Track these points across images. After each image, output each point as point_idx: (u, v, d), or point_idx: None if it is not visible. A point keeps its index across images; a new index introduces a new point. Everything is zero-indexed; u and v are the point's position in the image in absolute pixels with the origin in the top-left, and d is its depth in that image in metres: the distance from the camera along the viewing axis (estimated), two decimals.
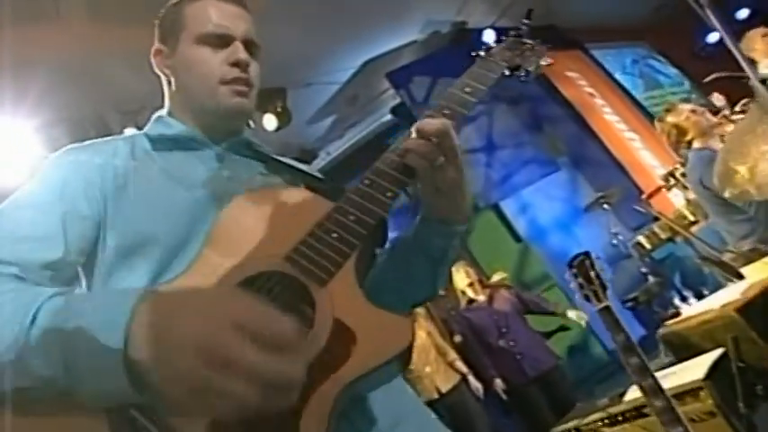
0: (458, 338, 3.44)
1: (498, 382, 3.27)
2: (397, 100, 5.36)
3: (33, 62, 3.35)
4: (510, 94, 5.03)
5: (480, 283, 3.47)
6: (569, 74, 5.50)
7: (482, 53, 0.93)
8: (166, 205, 0.75)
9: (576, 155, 5.10)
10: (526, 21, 1.03)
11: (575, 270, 1.55)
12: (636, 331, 4.09)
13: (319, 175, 0.92)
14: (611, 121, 5.23)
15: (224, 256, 0.65)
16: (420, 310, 3.41)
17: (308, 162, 5.91)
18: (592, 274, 1.51)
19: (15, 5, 3.06)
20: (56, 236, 0.70)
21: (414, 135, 0.72)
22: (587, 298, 1.50)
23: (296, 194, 0.75)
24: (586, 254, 1.55)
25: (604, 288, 1.48)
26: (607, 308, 1.45)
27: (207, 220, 0.71)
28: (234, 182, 0.81)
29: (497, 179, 4.94)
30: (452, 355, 3.35)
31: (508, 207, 5.20)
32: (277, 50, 4.39)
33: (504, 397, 3.27)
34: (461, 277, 3.46)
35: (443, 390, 3.16)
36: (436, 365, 3.23)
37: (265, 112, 4.67)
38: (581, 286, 1.52)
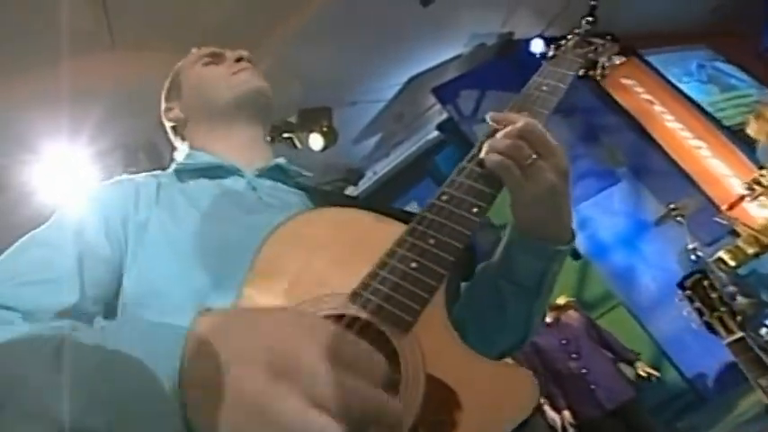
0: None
1: (566, 415, 3.00)
2: (444, 115, 5.24)
3: (90, 92, 3.42)
4: (562, 105, 4.84)
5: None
6: (625, 81, 5.23)
7: (551, 51, 0.87)
8: (194, 247, 0.65)
9: (637, 166, 4.80)
10: (589, 18, 0.92)
11: (689, 293, 1.34)
12: (720, 358, 3.72)
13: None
14: (674, 129, 4.91)
15: (271, 297, 0.52)
16: None
17: (354, 183, 5.88)
18: (714, 296, 1.29)
19: (73, 38, 3.14)
20: (71, 278, 0.61)
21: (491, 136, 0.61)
22: (710, 327, 1.28)
23: (351, 216, 0.60)
24: (703, 272, 1.34)
25: (734, 315, 1.25)
26: (742, 340, 1.22)
27: (240, 257, 0.56)
28: (270, 211, 0.71)
29: None
30: None
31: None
32: (321, 70, 4.37)
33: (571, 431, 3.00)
34: None
35: None
36: None
37: (311, 131, 4.64)
38: (700, 313, 1.30)
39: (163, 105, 0.92)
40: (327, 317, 0.47)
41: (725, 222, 3.21)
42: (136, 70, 3.70)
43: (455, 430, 0.42)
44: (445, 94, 4.96)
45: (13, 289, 0.56)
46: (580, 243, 4.89)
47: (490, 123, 0.63)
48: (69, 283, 0.60)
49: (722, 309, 1.32)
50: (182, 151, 0.89)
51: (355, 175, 5.68)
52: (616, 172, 4.68)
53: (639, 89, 5.20)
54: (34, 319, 0.54)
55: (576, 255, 4.99)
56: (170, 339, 0.37)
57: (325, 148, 4.66)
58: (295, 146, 4.65)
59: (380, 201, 6.29)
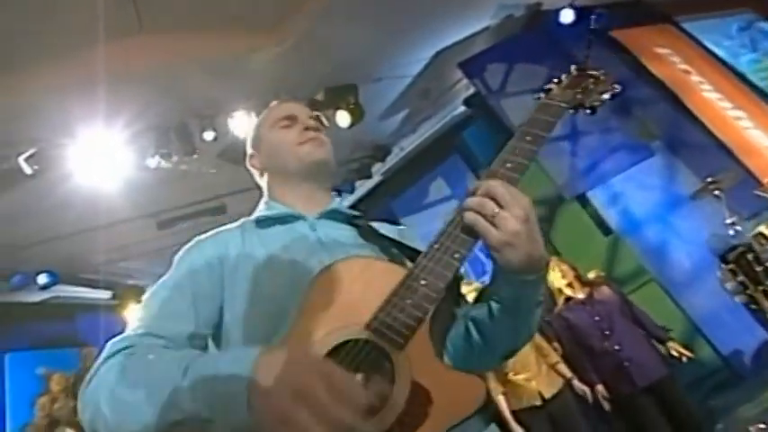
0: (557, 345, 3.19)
1: (600, 389, 3.00)
2: (471, 90, 5.15)
3: (122, 76, 3.48)
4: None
5: (578, 280, 3.20)
6: (659, 50, 5.03)
7: (542, 96, 0.93)
8: (270, 286, 0.88)
9: (671, 139, 4.64)
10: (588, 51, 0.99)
11: (732, 266, 1.30)
12: (757, 335, 3.64)
13: (407, 243, 0.96)
14: (712, 99, 4.71)
15: (316, 326, 0.74)
16: None
17: (381, 159, 5.86)
18: (759, 270, 1.25)
19: (105, 24, 3.17)
20: (188, 312, 0.86)
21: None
22: (753, 301, 1.25)
23: (375, 265, 0.81)
24: (748, 246, 1.30)
25: None
26: None
27: (302, 290, 0.79)
28: (326, 247, 0.93)
29: (583, 168, 4.60)
30: (555, 357, 3.10)
31: (596, 198, 4.84)
32: (346, 47, 4.33)
33: (605, 406, 3.00)
34: (557, 276, 3.20)
35: (547, 395, 2.92)
36: (537, 368, 2.99)
37: (338, 109, 4.63)
38: (744, 286, 1.27)
39: (249, 151, 1.13)
40: (348, 341, 0.70)
41: (766, 195, 3.08)
42: (164, 53, 3.73)
43: (427, 419, 0.64)
44: (472, 68, 4.85)
45: (155, 321, 0.84)
46: (611, 218, 4.79)
47: (468, 190, 0.78)
48: (187, 316, 0.85)
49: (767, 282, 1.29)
50: (263, 194, 1.11)
51: (382, 152, 5.66)
52: (649, 145, 4.54)
53: (675, 58, 4.99)
54: (173, 343, 0.80)
55: (606, 230, 4.92)
56: (245, 362, 0.62)
57: (352, 125, 4.65)
58: (322, 124, 4.66)
59: (407, 177, 6.28)
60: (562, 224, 5.24)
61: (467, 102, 5.37)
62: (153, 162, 4.34)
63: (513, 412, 2.92)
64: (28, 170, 3.61)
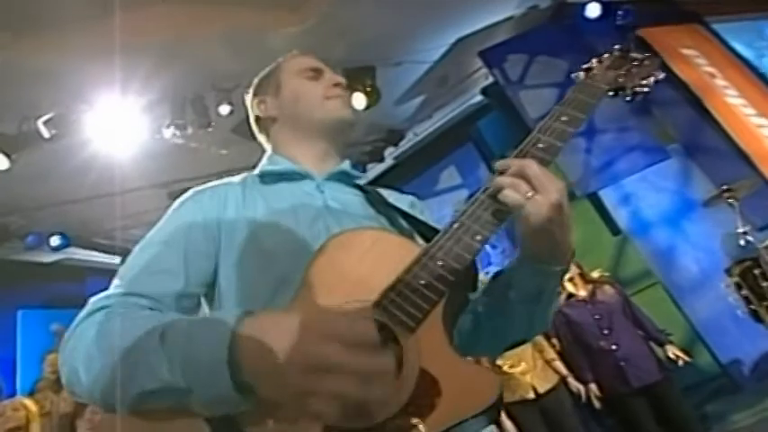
0: (555, 341, 3.22)
1: (593, 387, 3.02)
2: (490, 80, 5.09)
3: (140, 46, 3.49)
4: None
5: (582, 278, 3.20)
6: (685, 51, 4.92)
7: (581, 75, 0.88)
8: (271, 247, 0.82)
9: (689, 142, 4.57)
10: (637, 34, 0.93)
11: (737, 279, 1.30)
12: (758, 346, 3.63)
13: (417, 215, 0.91)
14: (736, 105, 4.62)
15: (319, 299, 0.68)
16: None
17: (395, 143, 5.85)
18: (765, 285, 1.26)
19: None
20: (178, 269, 0.80)
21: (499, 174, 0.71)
22: (757, 315, 1.26)
23: (387, 238, 0.75)
24: (754, 260, 1.30)
25: None
26: None
27: (306, 255, 0.74)
28: (333, 211, 0.88)
29: (597, 166, 4.55)
30: (551, 353, 3.13)
31: (607, 197, 4.81)
32: (367, 28, 4.29)
33: (596, 404, 3.02)
34: None
35: (540, 390, 2.96)
36: (532, 363, 3.02)
37: (355, 90, 4.62)
38: (747, 300, 1.28)
39: (253, 96, 1.03)
40: None
41: None
42: (182, 25, 3.74)
43: (433, 411, 0.59)
44: (492, 57, 4.79)
45: (140, 278, 0.78)
46: (621, 219, 4.77)
47: (497, 168, 0.73)
48: (177, 274, 0.79)
49: None
50: (265, 148, 1.04)
51: (396, 136, 5.65)
52: (666, 148, 4.47)
53: (701, 60, 4.88)
54: (158, 303, 0.75)
55: (615, 230, 4.89)
56: (221, 332, 0.58)
57: (367, 108, 4.64)
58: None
59: (419, 163, 6.26)
60: (571, 221, 5.23)
61: (484, 91, 5.32)
62: (168, 133, 4.38)
63: (506, 405, 2.97)
64: (46, 133, 3.67)
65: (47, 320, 5.16)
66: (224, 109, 4.50)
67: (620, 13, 4.85)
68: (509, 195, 0.68)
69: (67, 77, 3.54)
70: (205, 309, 0.85)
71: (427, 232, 0.84)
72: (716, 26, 5.17)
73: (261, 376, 0.55)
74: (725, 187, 3.80)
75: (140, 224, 5.17)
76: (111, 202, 4.73)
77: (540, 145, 0.74)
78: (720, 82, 4.78)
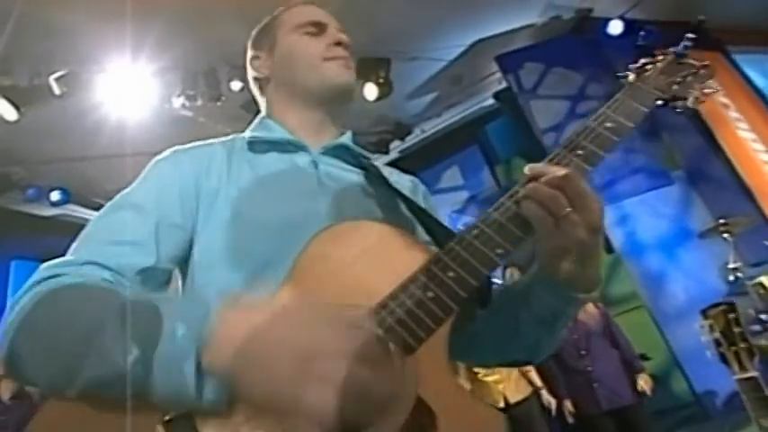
0: None
1: (567, 404, 3.07)
2: (503, 85, 5.08)
3: (152, 13, 3.49)
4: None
5: None
6: None
7: (632, 76, 0.76)
8: (254, 222, 0.72)
9: (694, 171, 4.57)
10: (690, 35, 0.81)
11: (711, 321, 1.33)
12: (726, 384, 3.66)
13: (419, 202, 0.82)
14: (746, 139, 4.61)
15: (307, 296, 0.59)
16: None
17: (401, 137, 5.85)
18: (736, 331, 1.28)
19: None
20: (149, 243, 0.70)
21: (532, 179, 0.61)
22: (724, 359, 1.28)
23: (390, 234, 0.64)
24: (731, 304, 1.32)
25: (752, 354, 1.25)
26: (753, 380, 1.22)
27: (295, 239, 0.64)
28: (325, 195, 0.77)
29: (599, 183, 4.54)
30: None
31: (605, 215, 4.81)
32: (385, 20, 4.28)
33: (569, 420, 3.08)
34: None
35: (512, 400, 3.02)
36: (507, 373, 3.08)
37: (367, 81, 4.61)
38: (717, 343, 1.30)
39: (250, 51, 0.92)
40: None
41: None
42: None
43: None
44: (509, 62, 4.78)
45: (103, 247, 0.67)
46: (616, 238, 4.77)
47: (528, 173, 0.63)
48: (147, 247, 0.69)
49: (741, 345, 1.32)
50: (261, 107, 0.92)
51: (403, 131, 5.65)
52: (670, 174, 4.48)
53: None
54: (122, 278, 0.65)
55: (608, 248, 4.91)
56: (192, 318, 0.53)
57: (378, 100, 4.64)
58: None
59: (424, 159, 6.27)
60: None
61: (497, 96, 5.30)
62: (177, 102, 4.39)
63: None
64: (57, 90, 3.69)
65: None
66: (235, 85, 4.50)
67: (642, 33, 4.82)
68: (531, 209, 0.59)
69: (82, 37, 3.55)
70: (178, 286, 0.76)
71: (428, 222, 0.76)
72: (737, 56, 5.12)
73: (241, 369, 0.48)
74: (722, 221, 3.81)
75: None
76: (114, 164, 4.76)
77: (580, 152, 0.63)
78: (734, 114, 4.75)
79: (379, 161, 6.04)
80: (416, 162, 5.96)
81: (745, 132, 4.64)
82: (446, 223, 0.84)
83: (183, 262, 0.74)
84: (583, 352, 3.02)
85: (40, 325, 0.57)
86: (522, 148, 5.20)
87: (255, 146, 0.83)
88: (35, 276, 0.63)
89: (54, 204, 5.19)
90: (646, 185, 4.52)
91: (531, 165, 0.63)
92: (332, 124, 0.88)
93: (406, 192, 0.83)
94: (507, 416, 3.00)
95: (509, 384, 3.05)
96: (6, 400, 2.93)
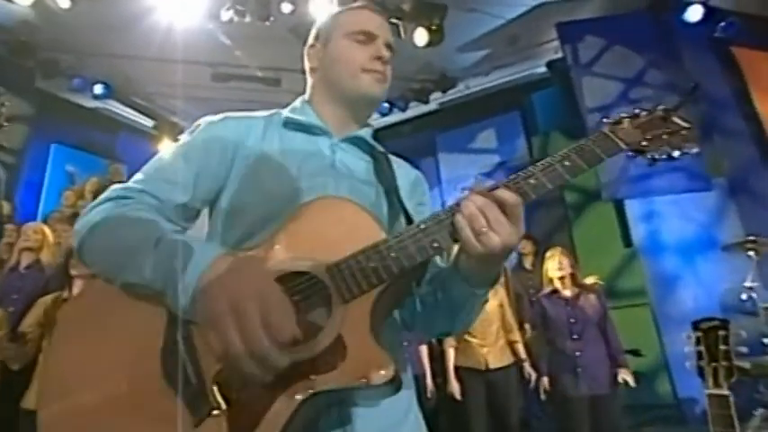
0: (529, 332, 3.33)
1: (544, 381, 3.17)
2: (559, 54, 4.84)
3: None
4: (688, 86, 4.32)
5: (572, 278, 3.24)
6: None
7: (605, 124, 0.84)
8: (271, 186, 0.89)
9: (738, 181, 4.37)
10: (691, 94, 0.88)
11: (700, 334, 1.33)
12: None
13: (405, 201, 0.94)
14: None
15: (288, 246, 0.77)
16: (501, 281, 3.29)
17: (443, 90, 5.70)
18: (722, 349, 1.29)
19: None
20: (187, 183, 0.89)
21: (475, 194, 0.75)
22: (701, 373, 1.30)
23: (364, 217, 0.80)
24: (724, 322, 1.32)
25: (731, 373, 1.26)
26: (724, 398, 1.24)
27: (295, 204, 0.82)
28: (336, 172, 0.93)
29: (634, 175, 4.41)
30: (516, 336, 3.27)
31: (632, 208, 4.71)
32: None
33: (542, 396, 3.18)
34: (554, 266, 3.23)
35: (491, 366, 3.13)
36: (493, 339, 3.17)
37: (419, 25, 4.46)
38: (699, 355, 1.31)
39: (311, 39, 1.06)
40: (306, 273, 0.74)
41: None
42: None
43: (334, 370, 0.69)
44: (569, 32, 4.53)
45: (158, 183, 0.88)
46: (637, 233, 4.69)
47: (474, 187, 0.76)
48: (185, 187, 0.89)
49: (723, 363, 1.33)
50: (307, 86, 1.06)
51: (447, 83, 5.50)
52: (711, 180, 4.29)
53: None
54: (165, 206, 0.86)
55: (627, 242, 4.83)
56: (197, 263, 0.72)
57: (427, 46, 4.50)
58: (398, 34, 4.51)
59: (462, 116, 6.12)
60: (589, 220, 5.16)
61: (549, 64, 5.07)
62: (226, 15, 4.36)
63: (457, 368, 3.15)
64: None
65: (75, 160, 5.46)
66: (286, 7, 4.42)
67: (722, 24, 4.47)
68: (458, 221, 0.74)
69: None
70: (204, 220, 0.96)
71: (408, 217, 0.90)
72: None
73: (202, 302, 0.67)
74: (751, 238, 3.70)
75: (181, 96, 5.29)
76: (158, 68, 4.81)
77: (532, 181, 0.76)
78: None
79: (417, 110, 5.94)
80: (454, 118, 5.85)
81: None
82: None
83: (212, 204, 0.94)
84: (575, 336, 3.06)
85: (102, 234, 0.79)
86: (563, 123, 5.03)
87: (289, 125, 0.98)
88: (109, 193, 0.86)
89: (96, 97, 5.33)
90: (682, 186, 4.36)
91: (478, 186, 0.77)
92: (357, 120, 1.02)
93: (405, 185, 0.99)
94: (485, 379, 3.13)
95: (493, 350, 3.16)
96: (22, 269, 3.18)
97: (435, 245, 0.74)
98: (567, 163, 0.76)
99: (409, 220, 0.88)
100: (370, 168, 0.98)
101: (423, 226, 0.75)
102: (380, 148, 1.02)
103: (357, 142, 1.00)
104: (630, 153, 0.83)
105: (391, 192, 0.95)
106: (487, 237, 0.72)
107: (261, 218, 0.85)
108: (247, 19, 4.38)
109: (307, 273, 0.74)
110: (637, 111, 0.86)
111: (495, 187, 0.75)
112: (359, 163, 0.98)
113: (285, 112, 1.00)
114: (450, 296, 0.85)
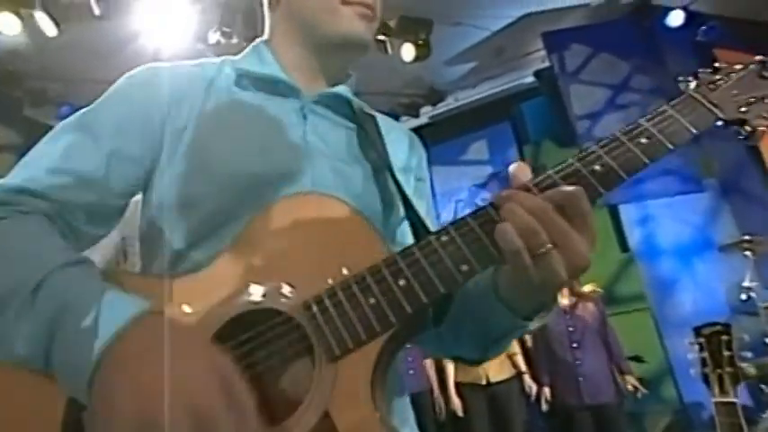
0: (529, 343, 3.30)
1: (546, 392, 3.13)
2: (546, 64, 4.88)
3: None
4: (675, 91, 4.35)
5: (570, 288, 3.22)
6: None
7: (693, 82, 0.62)
8: (221, 170, 0.63)
9: (729, 182, 4.39)
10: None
11: (703, 339, 1.30)
12: None
13: (399, 178, 0.70)
14: None
15: (247, 267, 0.54)
16: None
17: (433, 103, 5.72)
18: (726, 354, 1.25)
19: None
20: (96, 177, 0.61)
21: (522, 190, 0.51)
22: (706, 380, 1.27)
23: (359, 226, 0.56)
24: (726, 327, 1.29)
25: (737, 380, 1.23)
26: (731, 405, 1.21)
27: (260, 198, 0.60)
28: (308, 146, 0.68)
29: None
30: (515, 347, 3.24)
31: (627, 213, 4.71)
32: None
33: (544, 407, 3.14)
34: None
35: (492, 380, 3.10)
36: None
37: (406, 41, 4.49)
38: (703, 362, 1.28)
39: None
40: (273, 309, 0.52)
41: None
42: None
43: None
44: (555, 41, 4.57)
45: (47, 175, 0.58)
46: (633, 238, 4.68)
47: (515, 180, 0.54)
48: (93, 182, 0.61)
49: (728, 369, 1.29)
50: (268, 26, 0.78)
51: (436, 97, 5.52)
52: (703, 181, 4.31)
53: None
54: (62, 210, 0.59)
55: (624, 247, 4.81)
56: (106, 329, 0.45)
57: (415, 61, 4.53)
58: (386, 50, 4.54)
59: (452, 129, 6.14)
60: None
61: (537, 74, 5.11)
62: (214, 37, 4.38)
63: (457, 384, 3.10)
64: (96, 10, 3.71)
65: None
66: None
67: (703, 27, 4.52)
68: (508, 240, 0.48)
69: None
70: (137, 215, 0.69)
71: (408, 205, 0.68)
72: None
73: (114, 395, 0.42)
74: (747, 237, 3.69)
75: None
76: None
77: (597, 167, 0.52)
78: None
79: (408, 125, 5.96)
80: (445, 130, 5.85)
81: None
82: (430, 209, 0.79)
83: (136, 193, 0.67)
84: (575, 345, 3.03)
85: None
86: (554, 131, 5.05)
87: (243, 80, 0.72)
88: None
89: None
90: (675, 189, 4.37)
91: (528, 178, 0.52)
92: (333, 73, 0.76)
93: (401, 156, 0.76)
94: (487, 393, 3.09)
95: (492, 363, 3.13)
96: None
97: (464, 267, 0.49)
98: (643, 140, 0.54)
99: (410, 212, 0.66)
100: (353, 139, 0.73)
101: (444, 239, 0.51)
102: (367, 109, 0.77)
103: (334, 103, 0.74)
104: (723, 123, 0.60)
105: (383, 171, 0.71)
106: (551, 258, 0.48)
107: (210, 215, 0.62)
108: (234, 40, 4.40)
109: (275, 309, 0.51)
110: (724, 65, 0.63)
111: (547, 178, 0.51)
112: (338, 134, 0.73)
113: (237, 62, 0.74)
114: (487, 327, 0.61)
